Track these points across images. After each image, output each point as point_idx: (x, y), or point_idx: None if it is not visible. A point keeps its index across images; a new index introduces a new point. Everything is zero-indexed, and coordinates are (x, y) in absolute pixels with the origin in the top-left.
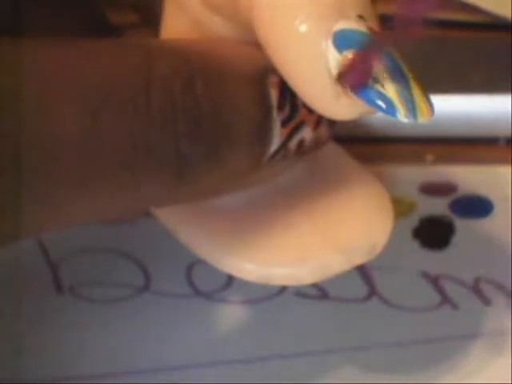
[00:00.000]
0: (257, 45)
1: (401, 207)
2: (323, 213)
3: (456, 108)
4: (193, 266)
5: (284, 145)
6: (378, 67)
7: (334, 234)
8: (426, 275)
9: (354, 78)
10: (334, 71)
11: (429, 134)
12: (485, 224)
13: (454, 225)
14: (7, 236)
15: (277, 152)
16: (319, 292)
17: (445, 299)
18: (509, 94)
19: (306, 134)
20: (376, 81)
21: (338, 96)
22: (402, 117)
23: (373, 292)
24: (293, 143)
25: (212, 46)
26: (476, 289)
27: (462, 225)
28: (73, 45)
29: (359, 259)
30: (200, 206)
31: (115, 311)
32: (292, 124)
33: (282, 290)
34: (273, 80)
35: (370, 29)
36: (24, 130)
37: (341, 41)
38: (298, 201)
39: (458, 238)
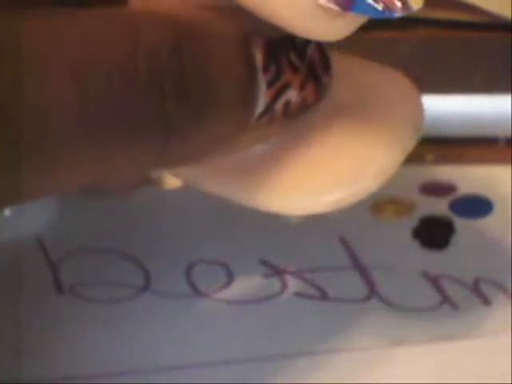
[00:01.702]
0: (238, 8)
1: (401, 207)
2: (360, 118)
3: (456, 108)
4: (193, 266)
5: (270, 106)
6: None
7: (381, 130)
8: (426, 275)
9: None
10: None
11: (429, 134)
12: (485, 224)
13: (454, 225)
14: (7, 202)
15: (263, 114)
16: (319, 292)
17: (445, 299)
18: (509, 94)
19: (292, 95)
20: None
21: (320, 16)
22: (400, 13)
23: (373, 292)
24: (279, 105)
25: (196, 11)
26: (476, 289)
27: (462, 225)
28: (58, 15)
29: (411, 143)
30: (226, 160)
31: (115, 311)
32: (277, 85)
33: (282, 289)
34: (258, 42)
35: None
36: (21, 102)
37: None
38: (326, 118)
39: (457, 238)
